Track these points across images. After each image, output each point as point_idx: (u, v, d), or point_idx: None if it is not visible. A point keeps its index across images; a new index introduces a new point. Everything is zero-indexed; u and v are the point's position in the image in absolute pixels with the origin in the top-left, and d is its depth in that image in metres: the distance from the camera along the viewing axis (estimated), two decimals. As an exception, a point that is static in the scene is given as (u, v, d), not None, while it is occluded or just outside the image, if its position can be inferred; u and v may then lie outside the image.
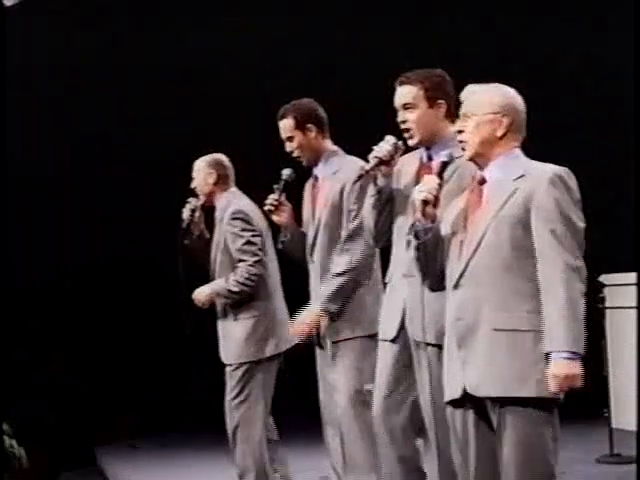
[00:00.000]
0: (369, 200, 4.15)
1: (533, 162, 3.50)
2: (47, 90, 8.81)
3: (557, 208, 3.34)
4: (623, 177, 8.12)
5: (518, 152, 3.52)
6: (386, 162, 4.07)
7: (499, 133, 3.48)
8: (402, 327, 4.03)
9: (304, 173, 4.94)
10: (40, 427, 8.05)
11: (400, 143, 4.13)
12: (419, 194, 3.53)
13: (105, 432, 8.64)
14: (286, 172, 4.89)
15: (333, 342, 4.60)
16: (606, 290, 6.81)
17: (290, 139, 4.81)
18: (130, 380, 9.08)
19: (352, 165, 4.59)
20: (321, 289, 4.63)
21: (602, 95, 8.53)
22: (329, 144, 4.84)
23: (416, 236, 3.55)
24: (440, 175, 3.62)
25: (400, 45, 8.13)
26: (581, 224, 3.38)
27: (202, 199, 5.57)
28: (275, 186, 4.88)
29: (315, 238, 4.74)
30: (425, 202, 3.51)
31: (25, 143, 8.46)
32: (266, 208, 4.88)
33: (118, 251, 9.25)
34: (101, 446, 8.48)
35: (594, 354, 6.90)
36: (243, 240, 5.31)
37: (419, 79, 4.11)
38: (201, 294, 5.50)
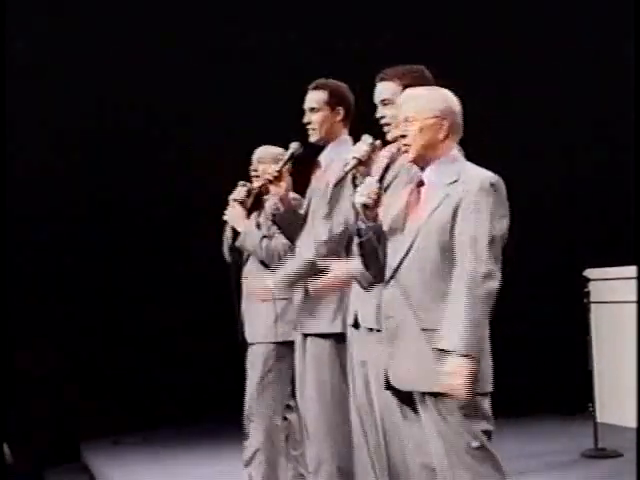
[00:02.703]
0: (350, 199, 4.24)
1: (468, 165, 3.61)
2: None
3: (479, 215, 3.45)
4: (616, 176, 8.17)
5: (456, 154, 3.64)
6: (364, 162, 4.16)
7: (441, 136, 3.59)
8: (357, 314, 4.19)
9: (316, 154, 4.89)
10: (24, 423, 8.01)
11: (378, 142, 4.21)
12: (359, 198, 3.65)
13: (89, 428, 8.61)
14: (294, 145, 4.87)
15: None
16: (591, 285, 6.81)
17: (314, 110, 4.73)
18: (114, 376, 9.06)
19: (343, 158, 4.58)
20: None
21: (598, 92, 8.54)
22: (345, 134, 4.78)
23: (358, 235, 3.69)
24: (382, 177, 3.74)
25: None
26: (499, 233, 3.46)
27: (259, 185, 5.47)
28: (280, 157, 4.89)
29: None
30: (365, 206, 3.64)
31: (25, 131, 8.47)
32: (266, 177, 4.83)
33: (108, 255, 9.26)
34: (85, 442, 8.45)
35: (579, 349, 6.94)
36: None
37: (397, 75, 4.18)
38: (235, 218, 5.40)
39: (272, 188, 4.83)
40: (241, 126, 8.55)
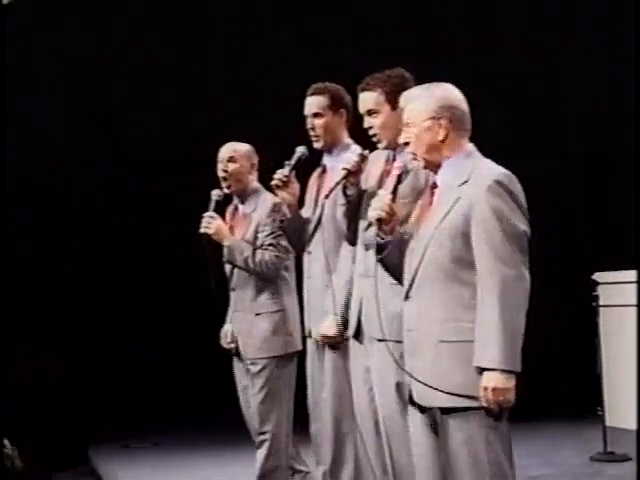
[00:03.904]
0: (340, 208, 4.31)
1: (480, 163, 3.46)
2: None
3: (495, 217, 3.31)
4: (626, 179, 8.15)
5: (469, 149, 3.50)
6: (354, 172, 4.21)
7: (440, 137, 3.47)
8: (360, 324, 4.14)
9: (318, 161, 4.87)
10: (33, 427, 8.03)
11: (366, 152, 4.26)
12: (373, 213, 3.56)
13: (98, 432, 8.62)
14: (300, 149, 4.76)
15: None
16: (599, 288, 6.80)
17: (318, 116, 4.72)
18: (123, 379, 9.06)
19: None
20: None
21: (599, 95, 8.52)
22: (347, 136, 4.78)
23: (378, 252, 3.61)
24: (395, 189, 3.65)
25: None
26: (522, 227, 3.34)
27: (232, 188, 5.45)
28: (286, 162, 4.74)
29: (315, 230, 4.70)
30: (379, 221, 3.55)
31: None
32: (273, 183, 4.71)
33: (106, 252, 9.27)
34: (95, 446, 8.46)
35: (587, 352, 6.93)
36: (279, 232, 5.19)
37: (378, 84, 4.20)
38: (220, 232, 5.34)
39: (279, 193, 4.74)
40: (241, 127, 8.54)
